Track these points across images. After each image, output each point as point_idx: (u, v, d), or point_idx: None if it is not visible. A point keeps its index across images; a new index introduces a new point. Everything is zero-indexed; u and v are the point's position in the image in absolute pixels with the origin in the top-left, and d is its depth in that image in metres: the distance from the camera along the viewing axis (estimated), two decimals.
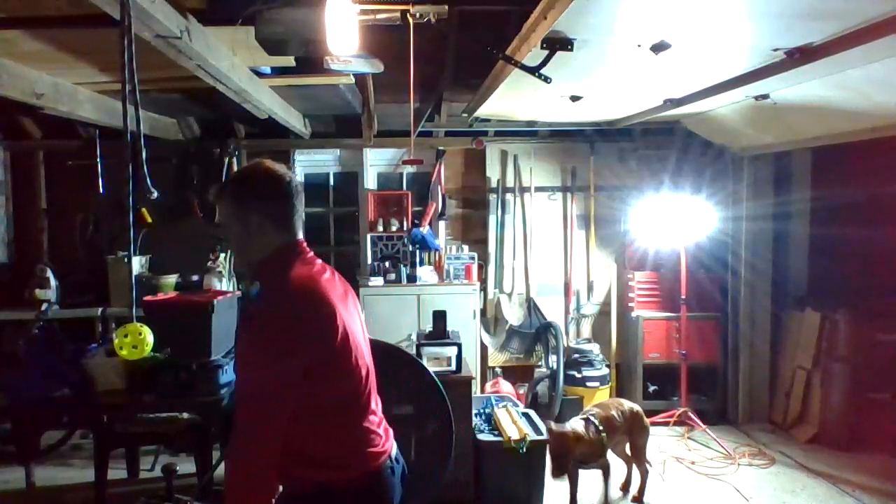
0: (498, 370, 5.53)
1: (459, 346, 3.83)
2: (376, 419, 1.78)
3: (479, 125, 5.43)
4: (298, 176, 5.66)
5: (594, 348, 5.20)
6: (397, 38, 3.37)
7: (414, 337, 4.14)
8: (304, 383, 1.57)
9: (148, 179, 2.33)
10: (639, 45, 2.70)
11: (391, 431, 1.85)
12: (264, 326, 1.59)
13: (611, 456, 3.76)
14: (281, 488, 1.68)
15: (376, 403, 1.80)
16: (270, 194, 1.69)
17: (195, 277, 4.96)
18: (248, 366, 1.60)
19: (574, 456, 3.49)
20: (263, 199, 1.68)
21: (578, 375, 5.03)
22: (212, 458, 3.54)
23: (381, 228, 5.45)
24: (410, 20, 3.04)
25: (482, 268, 5.54)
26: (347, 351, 1.65)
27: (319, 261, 1.77)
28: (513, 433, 3.66)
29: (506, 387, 5.06)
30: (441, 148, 5.58)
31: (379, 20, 3.04)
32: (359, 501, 1.69)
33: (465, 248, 5.46)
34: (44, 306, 4.68)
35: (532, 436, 3.65)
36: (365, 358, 1.76)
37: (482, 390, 5.11)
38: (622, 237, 5.66)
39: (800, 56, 2.72)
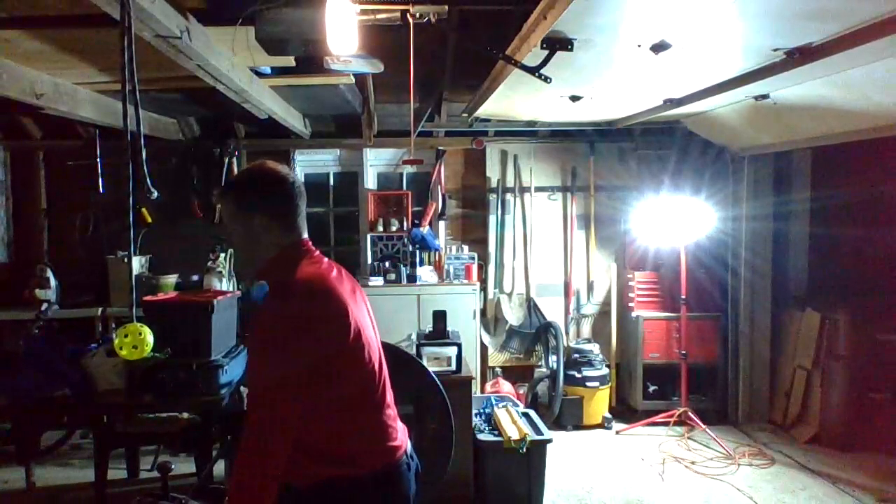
0: (498, 370, 5.53)
1: (459, 346, 3.82)
2: (392, 413, 1.79)
3: (479, 125, 5.43)
4: (298, 176, 5.66)
5: (594, 348, 5.20)
6: (397, 38, 3.36)
7: (414, 337, 4.13)
8: (316, 381, 1.57)
9: (148, 179, 2.33)
10: (639, 46, 2.70)
11: (405, 428, 1.85)
12: (274, 325, 1.58)
13: None
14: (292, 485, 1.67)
15: (391, 398, 1.80)
16: (274, 195, 1.69)
17: (195, 277, 4.96)
18: (258, 364, 1.60)
19: None
20: (267, 200, 1.68)
21: (578, 375, 5.04)
22: (212, 457, 3.54)
23: (381, 228, 5.45)
24: (410, 20, 3.04)
25: (482, 268, 5.53)
26: (360, 347, 1.66)
27: (326, 259, 1.77)
28: (513, 433, 3.66)
29: (506, 387, 5.06)
30: (441, 148, 5.58)
31: (379, 20, 3.04)
32: (377, 496, 1.69)
33: (465, 248, 5.46)
34: (44, 306, 4.67)
35: (532, 436, 3.66)
36: (377, 353, 1.76)
37: (482, 390, 5.12)
38: (622, 237, 5.66)
39: (800, 56, 2.72)
